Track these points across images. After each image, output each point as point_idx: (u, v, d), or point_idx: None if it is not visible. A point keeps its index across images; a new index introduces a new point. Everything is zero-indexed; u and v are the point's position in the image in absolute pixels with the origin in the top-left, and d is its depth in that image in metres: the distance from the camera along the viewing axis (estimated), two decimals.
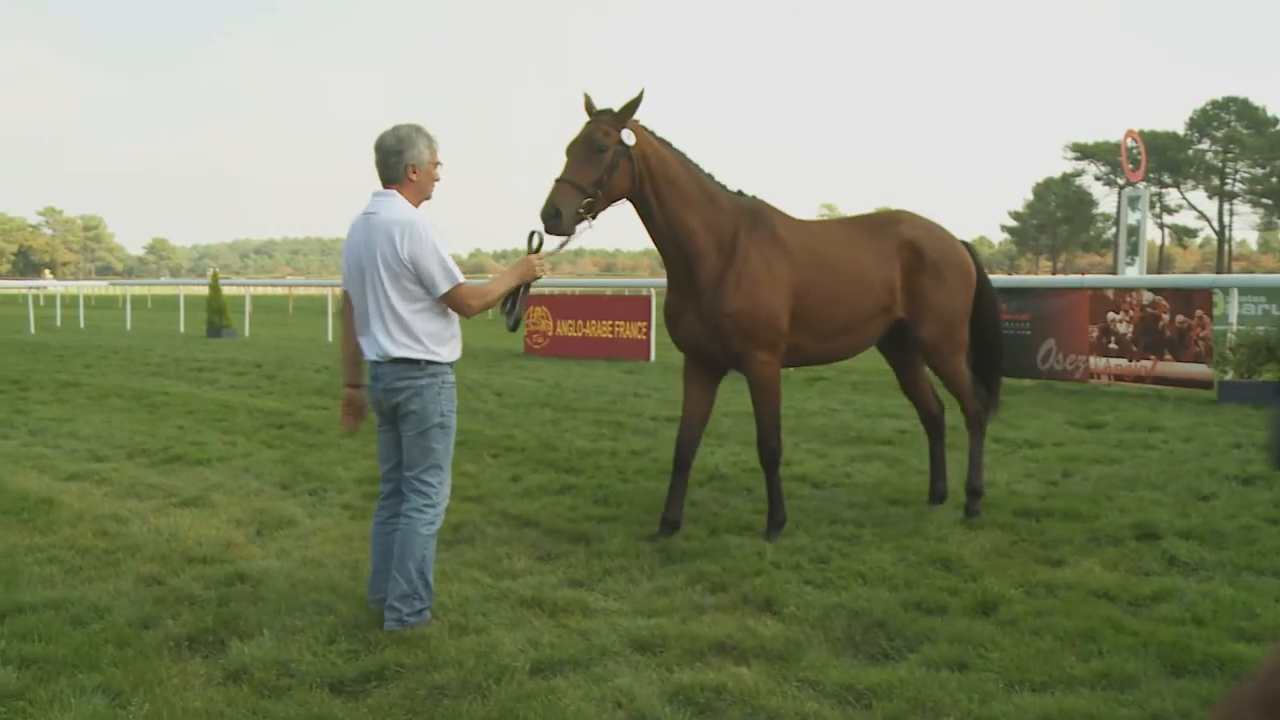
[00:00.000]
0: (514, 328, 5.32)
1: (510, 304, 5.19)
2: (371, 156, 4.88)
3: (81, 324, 33.73)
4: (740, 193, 6.48)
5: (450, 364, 4.94)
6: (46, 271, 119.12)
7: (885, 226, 6.98)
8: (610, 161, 5.79)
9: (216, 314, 27.35)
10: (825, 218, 6.98)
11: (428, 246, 4.72)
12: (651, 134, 6.12)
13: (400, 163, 4.83)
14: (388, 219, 4.76)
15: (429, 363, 4.83)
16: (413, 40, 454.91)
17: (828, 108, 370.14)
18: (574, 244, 5.92)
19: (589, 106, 5.99)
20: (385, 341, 4.80)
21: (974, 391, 7.30)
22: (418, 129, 4.91)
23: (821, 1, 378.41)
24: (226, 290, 29.02)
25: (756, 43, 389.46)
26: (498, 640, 4.61)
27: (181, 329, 30.37)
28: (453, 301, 4.85)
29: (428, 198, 4.98)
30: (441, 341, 4.88)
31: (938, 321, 6.92)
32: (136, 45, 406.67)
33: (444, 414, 4.91)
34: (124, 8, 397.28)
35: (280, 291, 66.32)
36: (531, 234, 5.28)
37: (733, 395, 13.50)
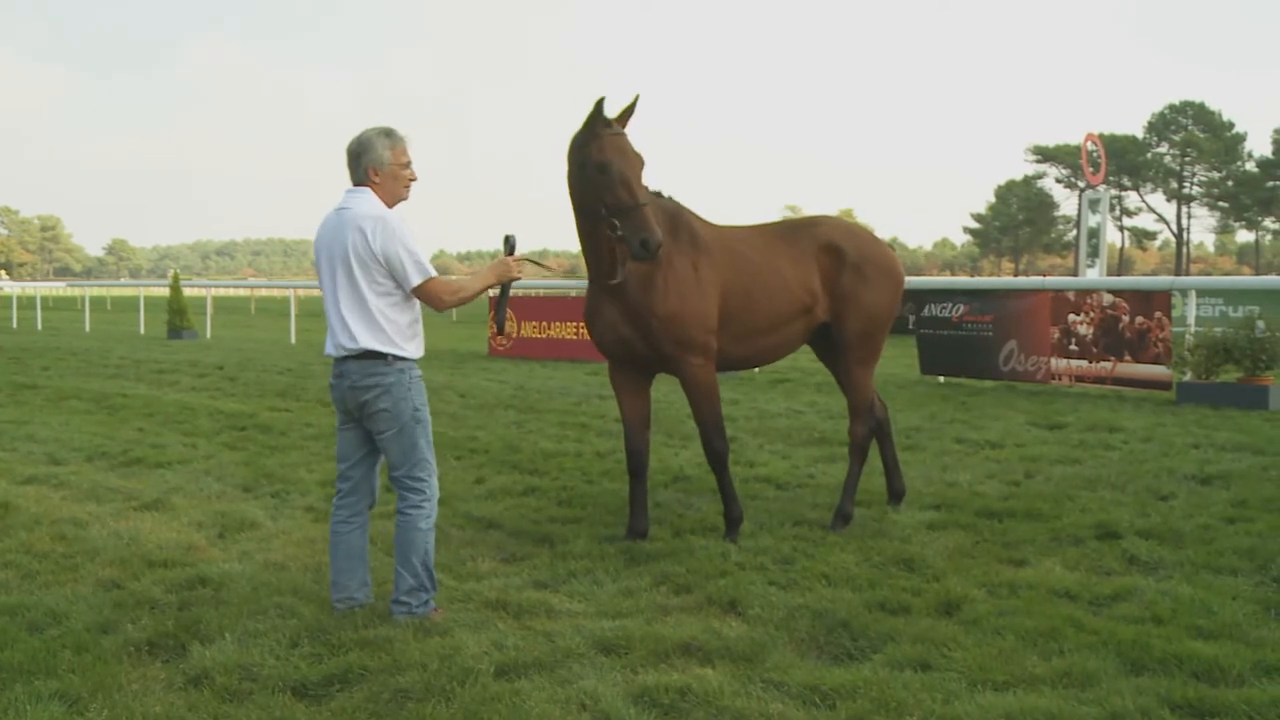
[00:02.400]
0: (502, 330, 5.42)
1: (496, 308, 5.30)
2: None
3: (39, 325, 33.31)
4: (659, 193, 6.36)
5: (416, 360, 4.95)
6: (2, 272, 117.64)
7: (802, 230, 6.94)
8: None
9: (177, 315, 27.08)
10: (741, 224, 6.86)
11: (399, 240, 4.77)
12: None
13: (359, 165, 4.90)
14: (359, 213, 4.80)
15: (396, 358, 4.84)
16: (380, 40, 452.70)
17: (790, 108, 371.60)
18: (536, 244, 5.85)
19: (600, 109, 5.82)
20: (357, 333, 4.80)
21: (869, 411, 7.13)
22: (380, 131, 4.94)
23: (787, 2, 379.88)
24: (188, 291, 28.77)
25: (718, 42, 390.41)
26: (462, 642, 4.59)
27: (142, 330, 30.07)
28: (425, 295, 4.88)
29: (402, 198, 5.00)
30: (408, 338, 4.90)
31: (861, 319, 6.82)
32: (99, 45, 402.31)
33: (418, 407, 4.93)
34: (85, 7, 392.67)
35: (242, 293, 65.84)
36: (507, 237, 5.25)
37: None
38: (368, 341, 4.80)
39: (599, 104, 5.78)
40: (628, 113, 5.97)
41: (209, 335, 27.68)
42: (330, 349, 4.93)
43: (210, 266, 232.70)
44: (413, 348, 4.92)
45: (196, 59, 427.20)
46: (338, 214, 4.90)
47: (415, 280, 4.82)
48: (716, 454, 6.46)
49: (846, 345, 6.88)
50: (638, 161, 5.86)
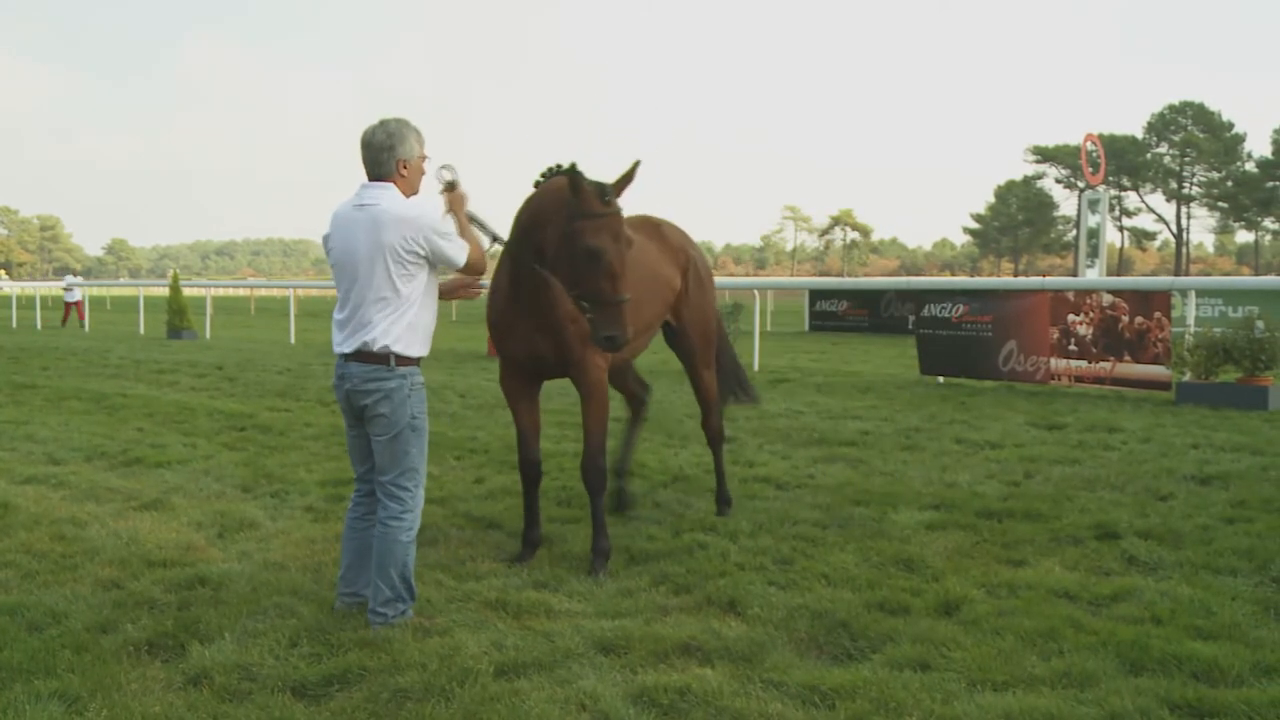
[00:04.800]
0: (496, 239, 5.44)
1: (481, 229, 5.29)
2: (359, 153, 4.84)
3: (38, 325, 33.31)
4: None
5: (419, 361, 4.90)
6: (2, 272, 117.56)
7: (659, 230, 6.91)
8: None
9: (177, 315, 27.10)
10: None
11: (441, 231, 4.79)
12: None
13: (391, 158, 4.80)
14: (391, 211, 4.72)
15: (400, 361, 4.79)
16: (377, 40, 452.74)
17: (790, 108, 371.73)
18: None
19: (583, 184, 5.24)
20: (364, 339, 4.76)
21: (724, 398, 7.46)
22: (406, 123, 4.87)
23: (785, 3, 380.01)
24: (187, 291, 28.76)
25: (718, 42, 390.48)
26: (461, 643, 4.59)
27: (141, 330, 30.06)
28: (473, 265, 4.95)
29: (417, 193, 4.94)
30: (418, 341, 4.88)
31: (702, 322, 6.97)
32: (99, 45, 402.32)
33: (415, 416, 4.87)
34: (86, 7, 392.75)
35: (242, 293, 65.83)
36: (440, 169, 5.10)
37: (695, 397, 13.52)
38: (392, 342, 4.75)
39: (606, 185, 5.27)
40: (625, 181, 5.35)
41: (208, 335, 27.67)
42: (342, 346, 4.85)
43: (210, 266, 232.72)
44: (419, 349, 4.89)
45: (196, 59, 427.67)
46: (360, 210, 4.78)
47: (462, 259, 4.87)
48: (599, 474, 5.99)
49: (693, 348, 7.02)
50: (628, 246, 5.32)
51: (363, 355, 4.78)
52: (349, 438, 5.08)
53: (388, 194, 4.78)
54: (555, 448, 9.70)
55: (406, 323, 4.80)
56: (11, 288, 46.78)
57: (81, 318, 33.21)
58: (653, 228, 6.93)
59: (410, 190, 4.89)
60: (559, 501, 7.50)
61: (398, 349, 4.78)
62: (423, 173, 4.96)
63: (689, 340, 6.97)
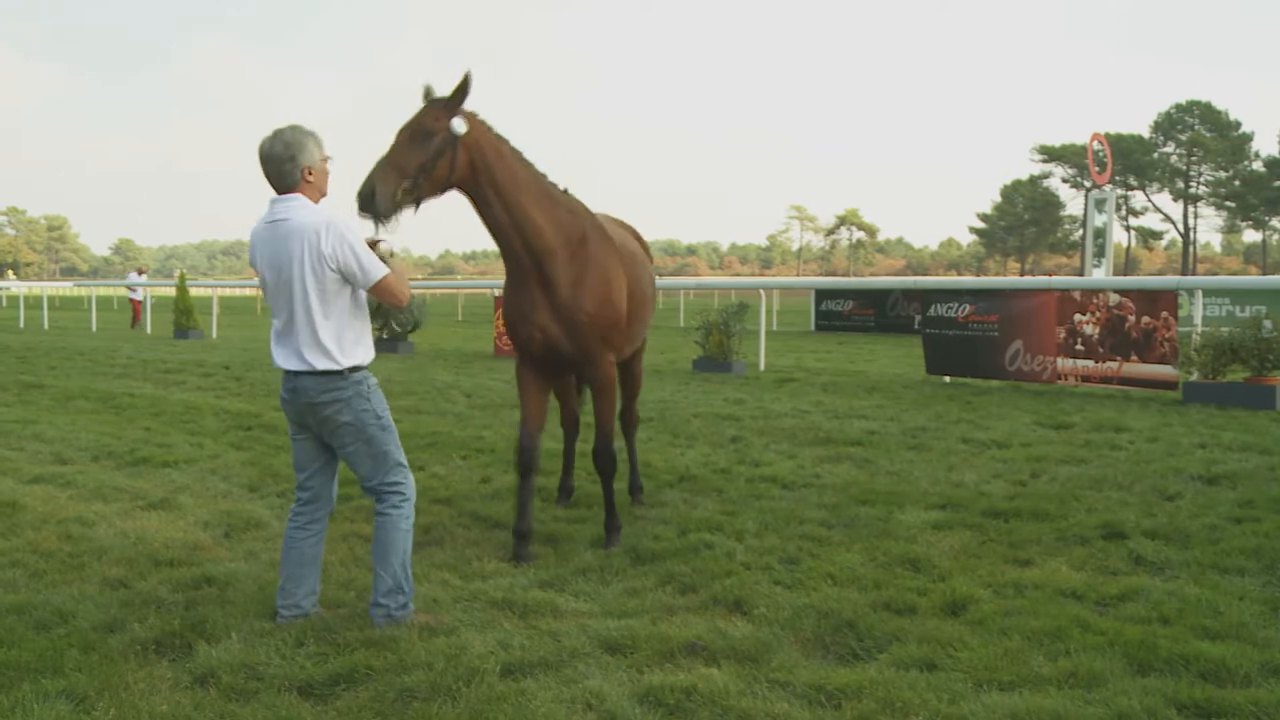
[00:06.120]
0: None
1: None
2: (259, 168, 4.77)
3: (45, 325, 33.38)
4: (566, 191, 6.32)
5: (367, 365, 4.87)
6: (9, 272, 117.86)
7: (636, 231, 7.31)
8: (437, 148, 5.51)
9: (183, 315, 27.15)
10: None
11: (350, 242, 4.68)
12: (488, 128, 5.87)
13: (295, 168, 4.73)
14: (305, 222, 4.67)
15: (351, 369, 4.77)
16: (380, 38, 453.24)
17: (796, 107, 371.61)
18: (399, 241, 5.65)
19: (427, 95, 5.64)
20: (310, 353, 4.71)
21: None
22: (301, 130, 4.81)
23: (792, 1, 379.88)
24: (194, 291, 28.79)
25: (723, 40, 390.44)
26: (467, 642, 4.59)
27: (148, 330, 30.11)
28: (383, 291, 4.80)
29: (325, 194, 4.89)
30: (365, 345, 4.85)
31: (645, 320, 7.15)
32: (105, 44, 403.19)
33: (380, 415, 4.86)
34: (87, 7, 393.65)
35: (248, 293, 65.84)
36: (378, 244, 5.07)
37: (701, 396, 13.54)
38: (327, 359, 4.70)
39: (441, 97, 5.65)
40: (457, 92, 5.65)
41: (215, 335, 27.72)
42: (288, 363, 4.79)
43: (216, 266, 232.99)
44: (362, 352, 4.84)
45: (202, 59, 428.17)
46: (274, 226, 4.72)
47: (375, 275, 4.73)
48: (612, 460, 6.44)
49: (637, 345, 7.31)
50: (404, 128, 5.55)
51: (312, 369, 4.73)
52: (294, 444, 5.02)
53: (298, 205, 4.73)
54: (561, 447, 9.67)
55: (346, 329, 4.76)
56: (19, 288, 46.78)
57: (138, 317, 32.90)
58: (630, 229, 7.27)
59: (319, 194, 4.83)
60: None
61: (345, 359, 4.74)
62: (327, 174, 4.90)
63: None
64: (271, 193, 4.80)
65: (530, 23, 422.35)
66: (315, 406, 4.79)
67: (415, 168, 5.42)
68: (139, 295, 33.57)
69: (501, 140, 5.92)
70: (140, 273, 42.88)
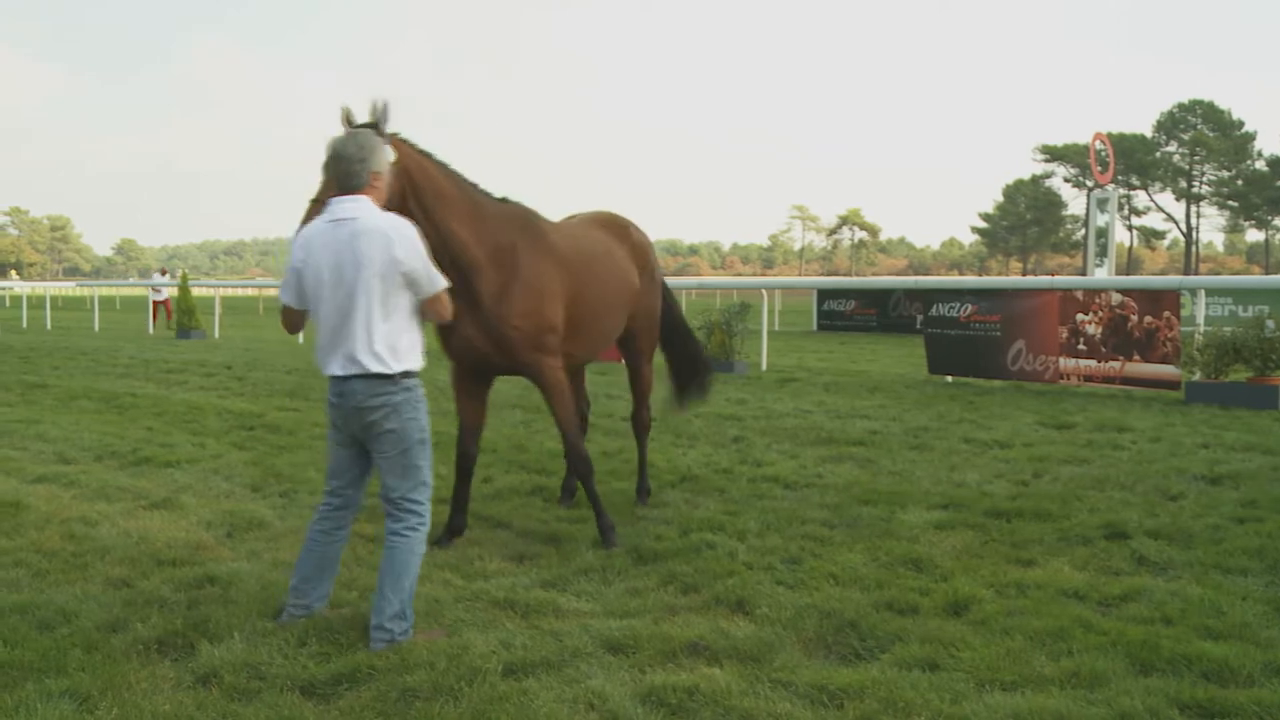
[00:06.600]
0: None
1: None
2: (327, 166, 4.77)
3: (48, 325, 33.42)
4: (505, 200, 6.31)
5: (418, 373, 4.83)
6: (12, 272, 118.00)
7: (618, 228, 7.25)
8: None
9: (186, 315, 27.17)
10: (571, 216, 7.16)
11: (421, 249, 4.67)
12: (413, 147, 5.78)
13: (365, 170, 4.69)
14: (377, 225, 4.59)
15: (403, 375, 4.70)
16: (380, 38, 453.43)
17: (797, 107, 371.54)
18: None
19: (347, 120, 5.35)
20: (363, 355, 4.61)
21: (685, 388, 7.99)
22: (374, 135, 4.82)
23: (792, 1, 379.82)
24: (196, 291, 28.82)
25: (724, 40, 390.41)
26: (470, 642, 4.59)
27: (150, 330, 30.14)
28: (437, 305, 4.79)
29: (385, 204, 4.86)
30: (415, 352, 4.78)
31: (650, 322, 7.34)
32: (106, 44, 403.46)
33: (423, 428, 4.80)
34: (88, 7, 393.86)
35: (250, 293, 65.89)
36: None
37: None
38: (382, 362, 4.62)
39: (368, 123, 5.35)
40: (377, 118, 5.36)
41: (217, 335, 27.74)
42: (338, 368, 4.68)
43: (218, 266, 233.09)
44: (415, 359, 4.77)
45: (202, 59, 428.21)
46: (339, 225, 4.62)
47: (434, 288, 4.72)
48: (584, 461, 6.48)
49: (640, 345, 7.44)
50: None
51: (364, 371, 4.64)
52: (333, 451, 4.93)
53: (365, 206, 4.66)
54: (559, 447, 9.68)
55: (403, 334, 4.70)
56: (22, 288, 46.83)
57: (169, 316, 32.63)
58: (620, 228, 7.26)
59: (381, 202, 4.79)
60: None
61: (398, 364, 4.67)
62: (387, 184, 4.93)
63: (637, 337, 7.35)
64: (310, 192, 4.77)
65: (530, 23, 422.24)
66: (363, 411, 4.68)
67: None
68: (163, 295, 33.43)
69: (425, 156, 5.86)
70: (164, 273, 42.77)
